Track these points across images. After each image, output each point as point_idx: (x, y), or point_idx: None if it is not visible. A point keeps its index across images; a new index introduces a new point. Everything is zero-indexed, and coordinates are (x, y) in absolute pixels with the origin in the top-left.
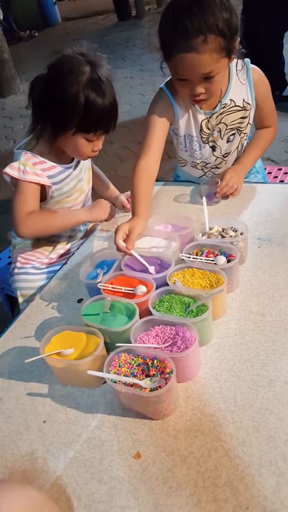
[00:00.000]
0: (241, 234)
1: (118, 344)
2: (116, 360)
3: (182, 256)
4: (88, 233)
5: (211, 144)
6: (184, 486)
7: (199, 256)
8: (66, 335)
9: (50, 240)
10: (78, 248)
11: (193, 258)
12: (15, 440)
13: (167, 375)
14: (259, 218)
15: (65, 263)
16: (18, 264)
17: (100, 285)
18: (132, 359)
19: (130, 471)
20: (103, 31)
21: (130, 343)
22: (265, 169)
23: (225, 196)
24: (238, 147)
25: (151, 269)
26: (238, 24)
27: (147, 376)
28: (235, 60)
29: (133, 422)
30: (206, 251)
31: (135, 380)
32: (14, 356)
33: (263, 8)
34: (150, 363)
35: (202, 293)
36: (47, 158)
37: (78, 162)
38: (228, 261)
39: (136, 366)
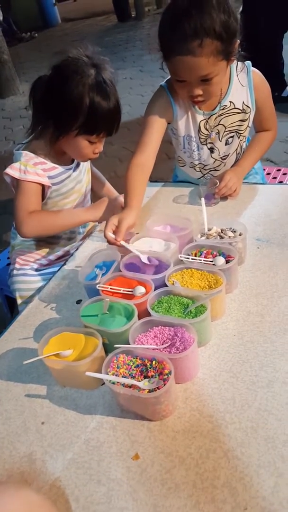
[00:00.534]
0: (240, 235)
1: (116, 345)
2: (115, 361)
3: (181, 257)
4: (87, 234)
5: (209, 145)
6: (183, 487)
7: (198, 257)
8: (65, 336)
9: (49, 241)
10: (77, 249)
11: (192, 259)
12: (14, 442)
13: (166, 376)
14: (258, 219)
15: (64, 264)
16: (17, 265)
17: (99, 286)
18: (131, 360)
19: (129, 473)
20: (103, 32)
21: (129, 344)
22: (264, 169)
23: (224, 197)
24: (237, 149)
25: (144, 258)
26: (237, 26)
27: (145, 377)
28: (236, 62)
29: (131, 424)
30: (205, 252)
31: (134, 382)
32: (12, 357)
33: (263, 9)
34: (148, 364)
35: (201, 294)
36: (47, 159)
37: (78, 164)
38: (227, 262)
39: (134, 367)
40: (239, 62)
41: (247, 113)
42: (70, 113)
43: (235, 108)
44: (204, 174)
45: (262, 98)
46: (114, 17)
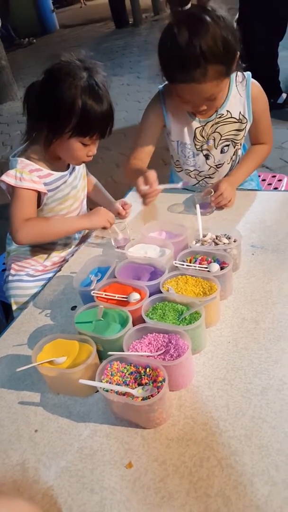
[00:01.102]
0: (235, 241)
1: (110, 353)
2: (109, 368)
3: (175, 263)
4: (82, 240)
5: (204, 152)
6: (176, 496)
7: (193, 263)
8: (59, 343)
9: (44, 247)
10: (72, 255)
11: (187, 265)
12: (6, 450)
13: (160, 384)
14: (253, 225)
15: (59, 270)
16: (12, 271)
17: (93, 293)
18: (125, 368)
19: (122, 481)
20: (100, 39)
21: (123, 351)
22: (259, 176)
23: (219, 207)
24: (232, 158)
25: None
26: (237, 41)
27: (139, 384)
28: (236, 72)
29: (125, 431)
30: (200, 258)
31: (127, 389)
32: (6, 364)
33: (258, 17)
34: (142, 371)
35: (195, 301)
36: (42, 165)
37: (73, 169)
38: (222, 268)
39: (128, 374)
40: (239, 72)
41: (243, 123)
42: (63, 115)
43: (231, 117)
44: (199, 181)
45: (259, 110)
46: (112, 23)
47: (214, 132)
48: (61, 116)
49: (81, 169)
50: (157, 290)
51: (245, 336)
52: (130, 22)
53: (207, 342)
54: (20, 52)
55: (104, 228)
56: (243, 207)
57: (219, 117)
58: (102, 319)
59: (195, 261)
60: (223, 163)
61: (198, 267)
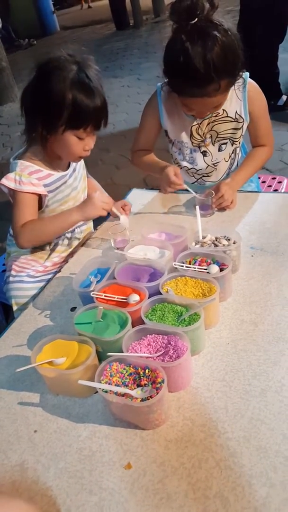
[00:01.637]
0: (234, 243)
1: (109, 354)
2: (108, 369)
3: (175, 264)
4: (83, 241)
5: (202, 149)
6: (175, 497)
7: (192, 264)
8: (58, 344)
9: (45, 248)
10: (72, 256)
11: (186, 266)
12: (6, 451)
13: (159, 385)
14: (252, 227)
15: (59, 271)
16: (13, 272)
17: (93, 294)
18: (124, 369)
19: (121, 482)
20: (101, 40)
21: (122, 352)
22: (259, 178)
23: (221, 209)
24: (231, 156)
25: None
26: (241, 51)
27: (138, 385)
28: None
29: (124, 432)
30: (199, 259)
31: (126, 390)
32: (5, 365)
33: (259, 19)
34: (141, 372)
35: (194, 302)
36: (42, 165)
37: (74, 171)
38: (221, 270)
39: (127, 375)
40: None
41: (240, 122)
42: (54, 108)
43: (227, 116)
44: (197, 179)
45: (256, 111)
46: (113, 25)
47: (211, 130)
48: (52, 110)
49: (81, 170)
50: (156, 291)
51: (244, 338)
52: (131, 24)
53: (206, 343)
54: (21, 53)
55: (102, 216)
56: (243, 209)
57: (215, 116)
58: (101, 320)
59: (195, 262)
60: (220, 161)
61: (198, 268)
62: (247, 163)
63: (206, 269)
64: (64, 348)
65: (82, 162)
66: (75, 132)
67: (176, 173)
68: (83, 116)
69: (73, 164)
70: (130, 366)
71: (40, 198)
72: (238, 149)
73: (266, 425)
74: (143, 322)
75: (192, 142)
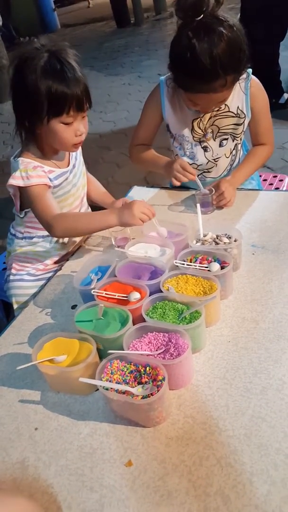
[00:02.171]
0: (235, 241)
1: (110, 351)
2: (109, 367)
3: (176, 262)
4: (83, 239)
5: (203, 144)
6: (175, 494)
7: (193, 262)
8: (59, 341)
9: (45, 246)
10: (72, 254)
11: (187, 264)
12: (6, 448)
13: (159, 383)
14: (254, 225)
15: (60, 269)
16: (13, 271)
17: (93, 291)
18: (125, 366)
19: (122, 480)
20: (102, 38)
21: (123, 350)
22: (260, 176)
23: (219, 206)
24: (232, 152)
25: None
26: (246, 46)
27: (139, 383)
28: None
29: (125, 430)
30: (200, 257)
31: (127, 388)
32: (6, 362)
33: (260, 17)
34: (142, 370)
35: (195, 300)
36: (43, 161)
37: (73, 167)
38: (222, 268)
39: (128, 373)
40: None
41: (241, 118)
42: (32, 100)
43: (229, 111)
44: (198, 175)
45: (258, 107)
46: (113, 23)
47: (212, 125)
48: (30, 102)
49: (80, 167)
50: (157, 289)
51: (245, 335)
52: (132, 22)
53: (207, 341)
54: None
55: (139, 225)
56: (244, 206)
57: (217, 110)
58: (102, 318)
59: (196, 260)
60: (221, 157)
61: (199, 266)
62: (247, 161)
63: (207, 267)
64: (65, 346)
65: (81, 159)
66: (59, 118)
67: (184, 167)
68: (62, 101)
69: (72, 160)
70: (131, 364)
71: None
72: (239, 146)
73: (267, 423)
74: (144, 320)
75: (193, 137)
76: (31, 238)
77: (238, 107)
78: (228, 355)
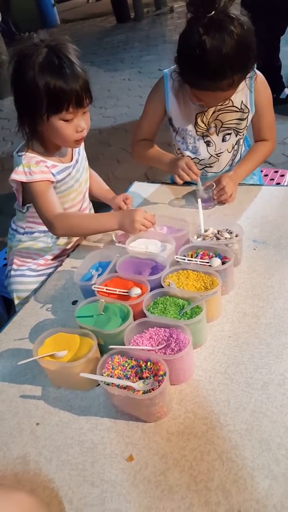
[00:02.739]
0: (236, 236)
1: (111, 346)
2: (110, 362)
3: (177, 258)
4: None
5: (205, 139)
6: (177, 489)
7: (194, 258)
8: (60, 337)
9: (46, 241)
10: (73, 249)
11: (188, 260)
12: (8, 443)
13: (161, 378)
14: (255, 220)
15: (60, 264)
16: (14, 266)
17: (94, 287)
18: (126, 361)
19: (123, 474)
20: (101, 33)
21: (124, 345)
22: (261, 171)
23: (220, 202)
24: (234, 147)
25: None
26: (255, 45)
27: (140, 378)
28: None
29: (126, 425)
30: (201, 253)
31: (128, 383)
32: (7, 358)
33: (261, 12)
34: (143, 365)
35: (196, 295)
36: (46, 157)
37: (76, 162)
38: (223, 263)
39: (129, 368)
40: None
41: (245, 112)
42: (31, 97)
43: (233, 106)
44: (200, 170)
45: (262, 102)
46: (113, 18)
47: (216, 119)
48: (30, 99)
49: (83, 162)
50: (158, 284)
51: (246, 331)
52: (132, 17)
53: (208, 336)
54: None
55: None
56: (245, 202)
57: (221, 105)
58: (103, 313)
59: (197, 255)
60: (223, 151)
61: (200, 261)
62: (249, 156)
63: (208, 263)
64: (66, 341)
65: (84, 153)
66: (59, 115)
67: (189, 165)
68: (60, 98)
69: (75, 156)
70: (132, 359)
71: None
72: (241, 141)
73: (268, 418)
74: (144, 315)
75: (197, 131)
76: (32, 233)
77: (242, 101)
78: (229, 350)
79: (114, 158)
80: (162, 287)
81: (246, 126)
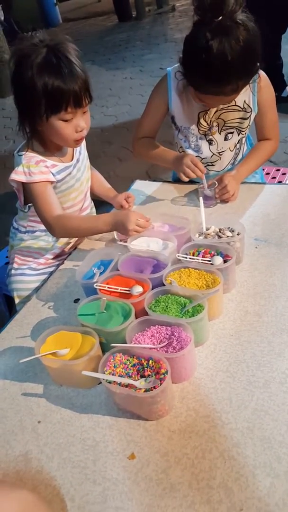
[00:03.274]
0: (238, 234)
1: (113, 344)
2: (111, 360)
3: (178, 256)
4: None
5: (208, 137)
6: (178, 487)
7: (196, 256)
8: (62, 335)
9: (47, 240)
10: (75, 248)
11: (190, 258)
12: (10, 441)
13: (162, 376)
14: (256, 218)
15: (62, 263)
16: (15, 265)
17: (96, 285)
18: (127, 360)
19: (124, 472)
20: (103, 32)
21: (126, 343)
22: (263, 169)
23: (222, 200)
24: (236, 146)
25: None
26: (261, 48)
27: (142, 376)
28: None
29: (128, 423)
30: (203, 251)
31: (130, 381)
32: (9, 356)
33: (262, 10)
34: (145, 363)
35: (198, 293)
36: (46, 156)
37: (77, 161)
38: (225, 261)
39: (131, 366)
40: None
41: (248, 112)
42: (29, 97)
43: (235, 105)
44: None
45: (264, 101)
46: (115, 17)
47: (218, 118)
48: (28, 100)
49: (85, 161)
50: (160, 283)
51: (248, 329)
52: (133, 16)
53: (209, 335)
54: None
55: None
56: (247, 200)
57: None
58: (105, 311)
59: (198, 254)
60: (225, 150)
61: (201, 260)
62: (251, 156)
63: (209, 261)
64: (68, 339)
65: (85, 152)
66: (58, 115)
67: (194, 163)
68: (59, 98)
69: (76, 155)
70: (133, 357)
71: None
72: (244, 140)
73: (270, 416)
74: (146, 314)
75: (199, 130)
76: (34, 232)
77: (244, 101)
78: (231, 349)
79: (116, 157)
80: (164, 285)
81: (248, 125)
